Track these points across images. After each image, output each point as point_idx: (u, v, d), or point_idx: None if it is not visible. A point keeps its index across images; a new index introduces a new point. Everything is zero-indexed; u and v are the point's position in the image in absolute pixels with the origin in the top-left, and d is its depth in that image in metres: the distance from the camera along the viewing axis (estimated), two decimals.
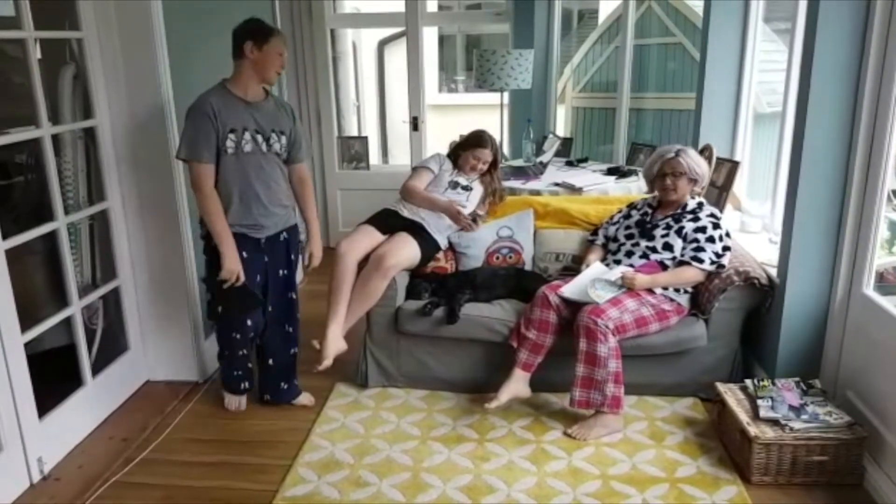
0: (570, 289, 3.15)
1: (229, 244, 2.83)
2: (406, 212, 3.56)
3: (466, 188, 3.69)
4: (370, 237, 3.42)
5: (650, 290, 3.13)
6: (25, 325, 2.69)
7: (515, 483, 2.69)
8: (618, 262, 3.29)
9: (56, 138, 2.99)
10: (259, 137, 2.88)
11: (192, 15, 3.45)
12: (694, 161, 3.24)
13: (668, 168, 3.24)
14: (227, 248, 2.82)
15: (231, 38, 2.86)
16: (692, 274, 3.16)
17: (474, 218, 3.63)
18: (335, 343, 3.27)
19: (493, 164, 3.77)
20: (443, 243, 3.61)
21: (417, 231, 3.48)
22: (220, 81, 2.86)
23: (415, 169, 3.78)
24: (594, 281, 3.13)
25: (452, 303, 3.26)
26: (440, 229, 3.59)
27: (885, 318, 2.56)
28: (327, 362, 3.26)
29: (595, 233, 3.63)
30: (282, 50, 2.85)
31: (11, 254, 2.63)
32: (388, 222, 3.51)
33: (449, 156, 3.81)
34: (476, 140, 3.70)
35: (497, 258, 3.67)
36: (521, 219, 3.76)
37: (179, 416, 3.21)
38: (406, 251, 3.38)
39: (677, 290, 3.17)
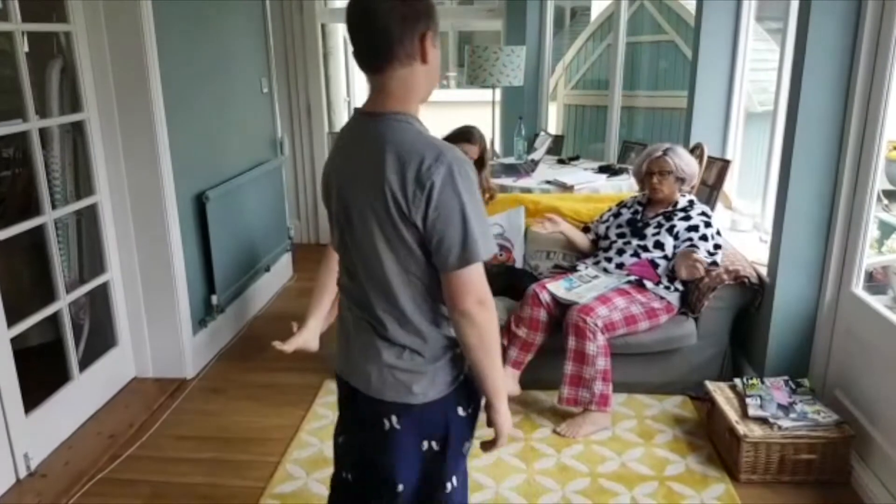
0: (558, 289, 3.14)
1: None
2: None
3: None
4: None
5: (641, 288, 3.13)
6: (12, 319, 2.67)
7: (504, 480, 2.69)
8: (609, 260, 3.29)
9: (43, 132, 2.96)
10: None
11: (181, 8, 3.43)
12: (682, 160, 3.24)
13: (655, 167, 3.25)
14: None
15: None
16: None
17: None
18: (310, 337, 3.18)
19: (480, 162, 3.69)
20: None
21: None
22: (406, 116, 1.48)
23: None
24: (575, 279, 3.14)
25: None
26: None
27: (874, 318, 2.57)
28: (287, 348, 3.19)
29: (586, 230, 3.63)
30: None
31: None
32: None
33: None
34: (464, 135, 3.54)
35: None
36: (512, 217, 3.75)
37: (167, 413, 3.19)
38: None
39: (667, 288, 3.18)
